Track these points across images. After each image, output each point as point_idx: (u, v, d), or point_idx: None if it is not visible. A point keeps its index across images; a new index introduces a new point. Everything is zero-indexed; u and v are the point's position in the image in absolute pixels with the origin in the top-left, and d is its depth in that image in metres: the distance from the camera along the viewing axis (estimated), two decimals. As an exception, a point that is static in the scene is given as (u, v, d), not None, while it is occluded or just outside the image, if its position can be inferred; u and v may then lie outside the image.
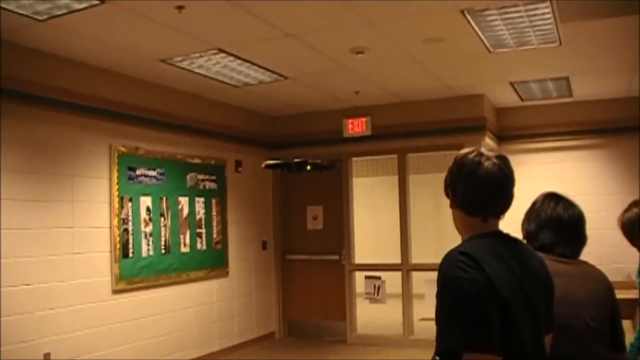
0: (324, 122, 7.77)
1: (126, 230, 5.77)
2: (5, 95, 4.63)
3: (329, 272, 7.97)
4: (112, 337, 5.57)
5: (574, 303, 2.10)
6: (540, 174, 7.42)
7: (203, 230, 6.85)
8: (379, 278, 7.63)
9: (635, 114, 6.99)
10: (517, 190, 1.84)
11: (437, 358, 1.66)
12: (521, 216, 2.35)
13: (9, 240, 4.70)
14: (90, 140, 5.50)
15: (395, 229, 7.69)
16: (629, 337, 2.57)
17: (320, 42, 5.03)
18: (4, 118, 4.68)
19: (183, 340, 6.47)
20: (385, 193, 9.44)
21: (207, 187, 6.96)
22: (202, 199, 6.86)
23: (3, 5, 3.90)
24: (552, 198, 2.32)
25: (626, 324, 2.45)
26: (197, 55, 5.24)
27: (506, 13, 4.43)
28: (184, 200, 6.58)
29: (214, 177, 7.07)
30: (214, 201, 7.05)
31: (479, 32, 4.81)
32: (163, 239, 6.23)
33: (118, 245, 5.66)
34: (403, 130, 7.40)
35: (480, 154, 1.80)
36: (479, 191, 1.78)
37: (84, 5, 3.98)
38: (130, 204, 5.83)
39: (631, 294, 3.60)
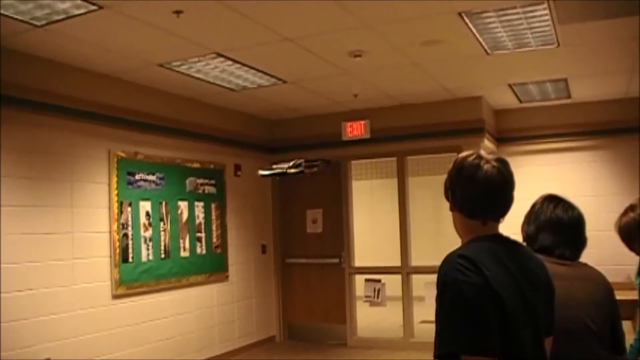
0: (322, 126, 7.76)
1: (126, 235, 5.77)
2: (4, 101, 4.62)
3: (328, 275, 7.97)
4: (112, 342, 5.57)
5: (574, 305, 2.10)
6: (540, 175, 7.41)
7: (202, 235, 6.84)
8: (378, 281, 7.62)
9: (634, 115, 6.98)
10: (517, 192, 1.84)
11: (436, 360, 1.67)
12: (521, 218, 2.36)
13: (9, 245, 4.70)
14: (89, 145, 5.51)
15: (394, 232, 7.69)
16: (629, 339, 2.56)
17: (319, 46, 5.03)
18: (3, 124, 4.68)
19: (183, 345, 6.46)
20: (385, 196, 9.42)
21: (206, 191, 6.96)
22: (201, 204, 6.86)
23: (1, 11, 3.89)
24: (552, 200, 2.32)
25: (626, 325, 2.45)
26: (196, 59, 5.24)
27: (504, 15, 4.42)
28: (183, 205, 6.58)
29: (213, 182, 7.07)
30: (213, 205, 7.05)
31: (477, 34, 4.81)
32: (163, 243, 6.23)
33: (118, 250, 5.66)
34: (402, 133, 7.40)
35: (480, 157, 1.80)
36: (479, 194, 1.78)
37: (82, 10, 3.98)
38: (129, 209, 5.83)
39: (631, 295, 3.59)
